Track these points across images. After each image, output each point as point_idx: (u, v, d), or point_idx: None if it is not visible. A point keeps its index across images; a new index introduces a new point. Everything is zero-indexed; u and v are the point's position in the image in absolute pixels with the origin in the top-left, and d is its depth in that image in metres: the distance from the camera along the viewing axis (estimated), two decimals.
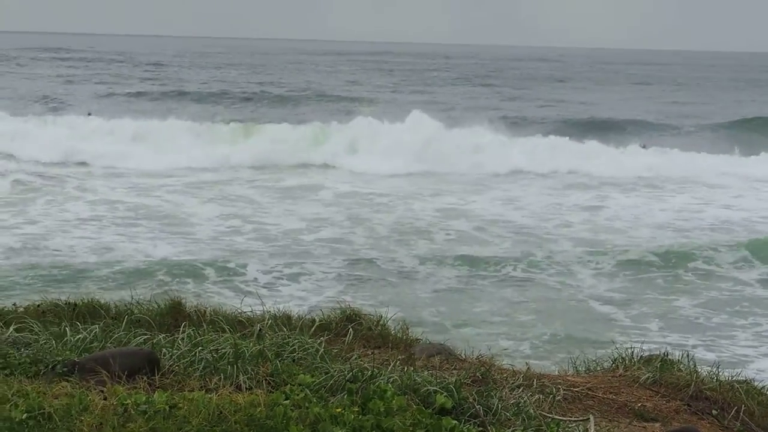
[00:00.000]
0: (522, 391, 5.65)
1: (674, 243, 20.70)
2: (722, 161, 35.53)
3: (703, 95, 72.89)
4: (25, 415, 4.35)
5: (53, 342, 5.61)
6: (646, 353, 6.82)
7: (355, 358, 5.72)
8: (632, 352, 6.73)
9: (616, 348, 6.92)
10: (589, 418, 5.33)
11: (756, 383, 6.60)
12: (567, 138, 37.57)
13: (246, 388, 5.02)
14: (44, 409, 4.41)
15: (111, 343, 5.72)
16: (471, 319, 14.63)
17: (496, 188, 29.01)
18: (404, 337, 6.82)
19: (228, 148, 34.61)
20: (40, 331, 5.83)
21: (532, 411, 5.30)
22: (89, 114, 45.85)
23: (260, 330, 6.08)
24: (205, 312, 6.72)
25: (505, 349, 7.05)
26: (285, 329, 6.11)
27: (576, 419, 5.41)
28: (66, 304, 6.73)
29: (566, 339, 13.44)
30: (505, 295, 16.28)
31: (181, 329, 5.95)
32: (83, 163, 32.29)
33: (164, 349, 5.58)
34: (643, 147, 43.87)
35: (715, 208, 26.44)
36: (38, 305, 6.71)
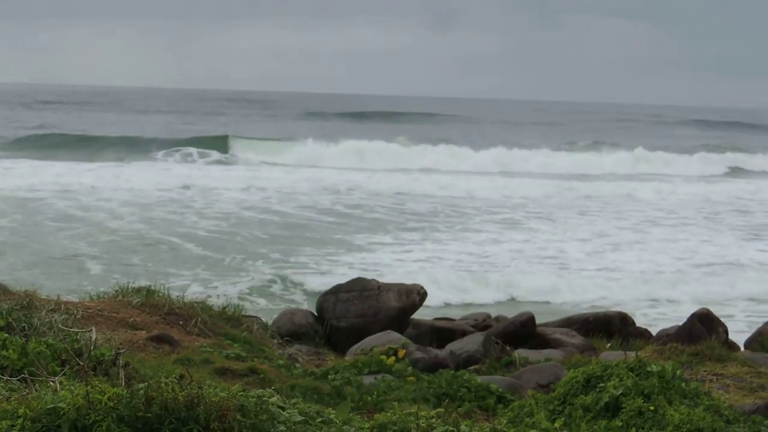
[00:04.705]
0: (54, 313, 8.55)
1: None
2: None
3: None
4: None
5: None
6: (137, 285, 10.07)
7: None
8: (128, 285, 9.93)
9: (118, 283, 10.09)
10: (92, 329, 8.29)
11: (209, 301, 10.14)
12: None
13: None
14: None
15: None
16: None
17: None
18: None
19: None
20: None
21: (60, 326, 8.20)
22: None
23: None
24: None
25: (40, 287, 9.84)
26: None
27: (86, 330, 8.37)
28: None
29: None
30: None
31: None
32: None
33: None
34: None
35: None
36: None
